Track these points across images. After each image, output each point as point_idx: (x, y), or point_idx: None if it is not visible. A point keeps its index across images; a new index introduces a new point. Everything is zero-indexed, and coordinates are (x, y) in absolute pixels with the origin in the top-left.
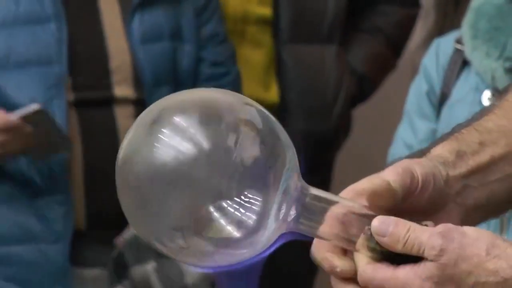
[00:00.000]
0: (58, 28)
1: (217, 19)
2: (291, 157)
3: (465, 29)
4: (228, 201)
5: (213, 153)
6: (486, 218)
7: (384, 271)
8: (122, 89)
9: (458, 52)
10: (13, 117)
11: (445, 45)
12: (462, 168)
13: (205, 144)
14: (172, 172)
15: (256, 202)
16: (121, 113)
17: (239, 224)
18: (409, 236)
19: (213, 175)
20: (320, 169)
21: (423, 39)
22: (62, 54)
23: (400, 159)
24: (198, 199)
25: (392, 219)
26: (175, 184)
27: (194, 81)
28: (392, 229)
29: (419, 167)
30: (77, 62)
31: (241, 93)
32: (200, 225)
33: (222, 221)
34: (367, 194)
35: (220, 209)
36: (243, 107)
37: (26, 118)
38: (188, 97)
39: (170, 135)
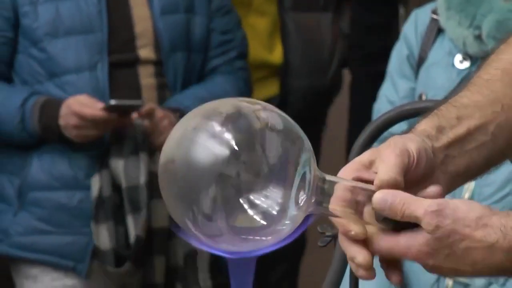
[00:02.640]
0: (98, 0)
1: None
2: (307, 151)
3: (440, 1)
4: (255, 194)
5: (242, 154)
6: (466, 181)
7: (388, 240)
8: (145, 52)
9: (434, 21)
10: (112, 102)
11: (422, 15)
12: (443, 140)
13: (236, 147)
14: (207, 171)
15: (278, 195)
16: (144, 72)
17: (264, 214)
18: (405, 210)
19: (242, 172)
20: (317, 120)
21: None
22: (103, 24)
23: (391, 134)
24: (229, 192)
25: (390, 194)
26: (209, 180)
27: (205, 48)
28: (390, 203)
29: (412, 144)
30: (110, 29)
31: (248, 54)
32: (231, 215)
33: (250, 212)
34: (375, 185)
35: (248, 201)
36: (266, 112)
37: (120, 108)
38: (219, 106)
39: (206, 140)
